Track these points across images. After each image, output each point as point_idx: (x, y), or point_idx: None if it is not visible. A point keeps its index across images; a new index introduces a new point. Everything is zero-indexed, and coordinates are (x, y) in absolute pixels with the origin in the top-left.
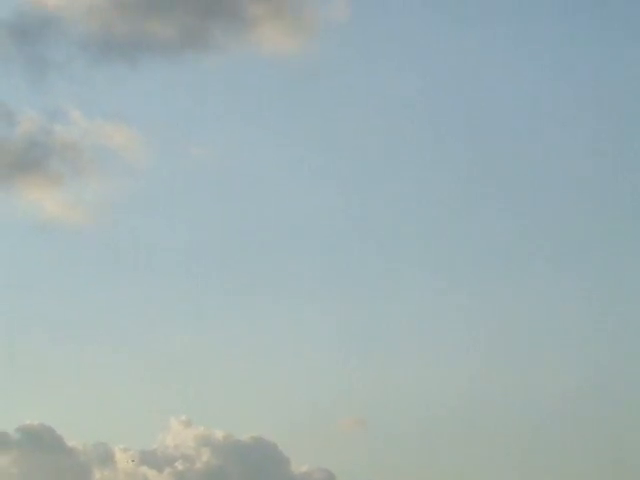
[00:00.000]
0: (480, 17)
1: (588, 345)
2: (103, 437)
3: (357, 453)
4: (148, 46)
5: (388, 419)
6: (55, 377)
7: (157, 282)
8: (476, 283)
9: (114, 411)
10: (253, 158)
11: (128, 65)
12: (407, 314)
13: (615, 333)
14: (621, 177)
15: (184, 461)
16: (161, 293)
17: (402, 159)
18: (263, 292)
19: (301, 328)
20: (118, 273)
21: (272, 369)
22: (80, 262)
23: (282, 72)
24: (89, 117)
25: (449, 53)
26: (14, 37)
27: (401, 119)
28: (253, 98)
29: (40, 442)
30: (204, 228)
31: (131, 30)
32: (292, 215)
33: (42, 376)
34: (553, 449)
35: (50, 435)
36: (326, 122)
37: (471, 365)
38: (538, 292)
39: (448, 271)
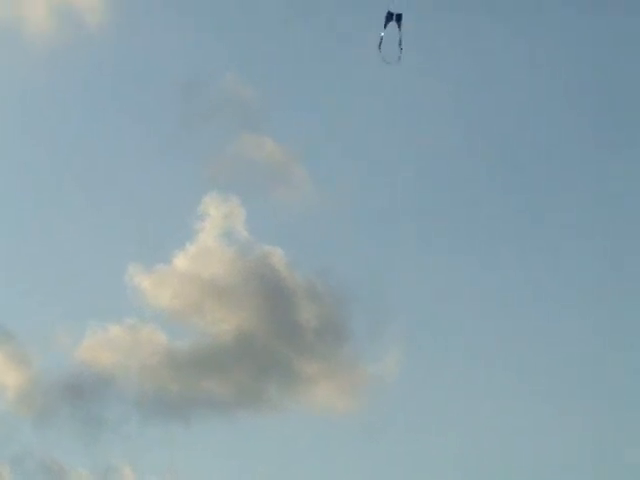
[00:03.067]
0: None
1: None
2: None
3: None
4: (202, 404)
5: None
6: None
7: None
8: None
9: None
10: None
11: (181, 423)
12: None
13: None
14: None
15: None
16: None
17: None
18: None
19: None
20: None
21: None
22: None
23: (335, 430)
24: (140, 474)
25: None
26: (67, 397)
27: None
28: (307, 455)
29: None
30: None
31: (185, 388)
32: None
33: None
34: None
35: None
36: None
37: None
38: None
39: None
